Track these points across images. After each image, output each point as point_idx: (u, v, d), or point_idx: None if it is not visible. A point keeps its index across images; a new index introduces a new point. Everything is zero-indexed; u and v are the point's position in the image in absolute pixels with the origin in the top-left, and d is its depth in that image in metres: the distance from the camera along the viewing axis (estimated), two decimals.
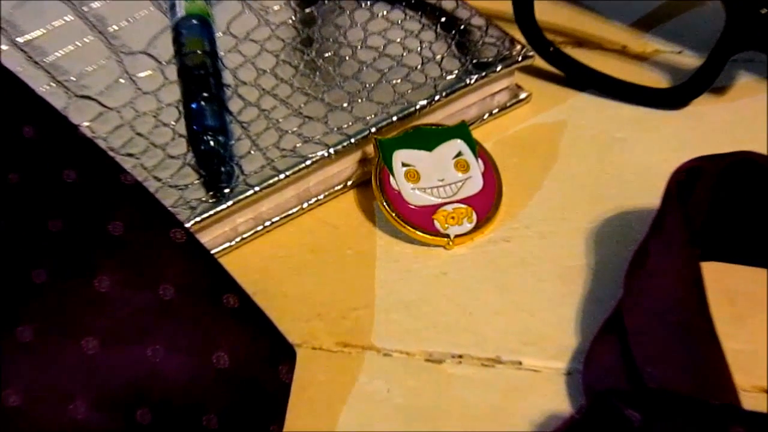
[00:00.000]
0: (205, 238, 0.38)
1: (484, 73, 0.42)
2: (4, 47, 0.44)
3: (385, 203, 0.39)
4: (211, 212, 0.38)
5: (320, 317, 0.38)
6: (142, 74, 0.43)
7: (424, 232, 0.39)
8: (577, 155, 0.43)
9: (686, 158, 0.40)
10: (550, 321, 0.37)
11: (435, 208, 0.40)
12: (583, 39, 0.47)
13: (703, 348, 0.33)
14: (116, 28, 0.45)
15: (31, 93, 0.40)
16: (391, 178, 0.40)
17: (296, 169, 0.39)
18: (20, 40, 0.45)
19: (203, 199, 0.38)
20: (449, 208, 0.40)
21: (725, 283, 0.37)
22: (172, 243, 0.36)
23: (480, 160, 0.41)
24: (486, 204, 0.40)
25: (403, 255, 0.40)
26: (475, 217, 0.40)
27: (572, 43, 0.47)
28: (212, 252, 0.38)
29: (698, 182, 0.36)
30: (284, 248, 0.40)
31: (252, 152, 0.40)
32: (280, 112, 0.41)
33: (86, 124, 0.41)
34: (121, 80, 0.43)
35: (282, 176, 0.39)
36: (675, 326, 0.34)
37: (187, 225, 0.38)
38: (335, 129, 0.40)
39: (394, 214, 0.39)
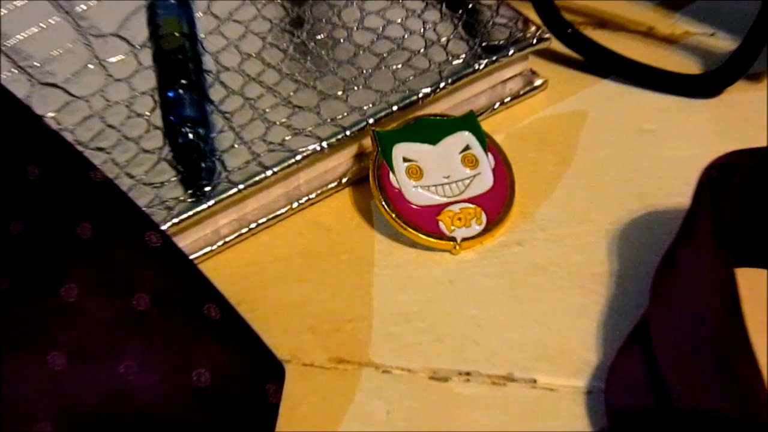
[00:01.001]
0: (183, 242, 0.39)
1: (494, 58, 0.42)
2: None
3: (384, 203, 0.40)
4: (190, 213, 0.39)
5: (312, 330, 0.38)
6: (113, 59, 0.43)
7: (427, 235, 0.40)
8: (599, 149, 0.43)
9: (720, 152, 0.41)
10: (568, 334, 0.38)
11: (440, 208, 0.40)
12: (605, 20, 0.47)
13: (739, 363, 0.33)
14: (84, 7, 0.45)
15: None
16: (391, 174, 0.40)
17: (285, 164, 0.40)
18: None
19: (181, 198, 0.39)
20: (456, 208, 0.40)
21: (760, 292, 0.38)
22: (147, 248, 0.36)
23: (490, 155, 0.41)
24: (497, 204, 0.40)
25: (405, 260, 0.40)
26: (484, 218, 0.40)
27: (593, 24, 0.47)
28: (191, 257, 0.39)
29: (732, 179, 0.36)
30: (272, 253, 0.40)
31: (236, 146, 0.40)
32: (267, 101, 0.42)
33: (51, 114, 0.42)
34: (90, 66, 0.43)
35: (269, 173, 0.39)
36: (707, 340, 0.34)
37: (164, 227, 0.38)
38: (328, 120, 0.41)
39: (394, 215, 0.40)
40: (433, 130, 0.41)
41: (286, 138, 0.40)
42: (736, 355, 0.34)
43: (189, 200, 0.39)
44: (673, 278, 0.36)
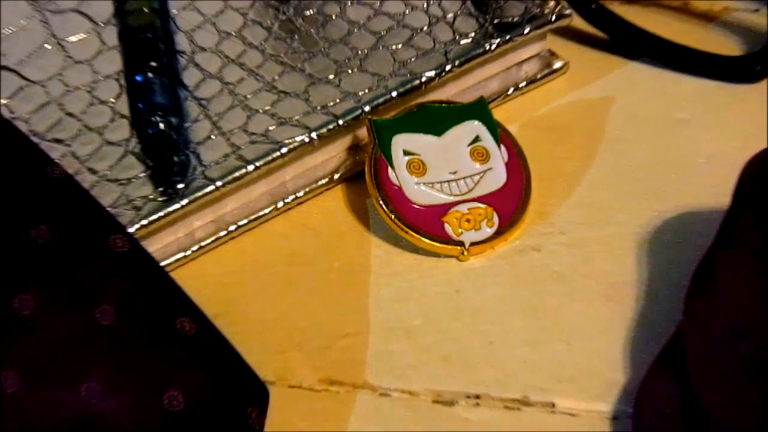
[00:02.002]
0: (153, 246, 0.39)
1: (508, 37, 0.43)
2: None
3: (382, 202, 0.40)
4: (162, 213, 0.39)
5: (300, 347, 0.38)
6: (73, 38, 0.44)
7: (431, 239, 0.40)
8: (627, 141, 0.43)
9: (755, 145, 0.41)
10: (591, 352, 0.38)
11: (446, 208, 0.40)
12: None
13: None
14: None
15: None
16: (390, 170, 0.40)
17: (269, 158, 0.40)
18: None
19: (151, 196, 0.39)
20: (464, 208, 0.40)
21: None
22: (112, 253, 0.37)
23: (503, 147, 0.41)
24: (510, 203, 0.41)
25: (405, 268, 0.40)
26: (496, 219, 0.40)
27: None
28: (163, 264, 0.39)
29: None
30: (254, 260, 0.41)
31: (213, 137, 0.40)
32: (248, 86, 0.42)
33: (3, 101, 0.42)
34: (47, 46, 0.43)
35: (251, 167, 0.40)
36: (749, 358, 0.34)
37: (131, 230, 0.38)
38: (318, 108, 0.41)
39: (393, 216, 0.40)
40: (437, 120, 0.42)
41: (270, 128, 0.41)
42: None
43: (159, 199, 0.39)
44: (710, 289, 0.36)
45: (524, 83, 0.44)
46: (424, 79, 0.42)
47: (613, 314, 0.39)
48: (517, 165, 0.41)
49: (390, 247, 0.41)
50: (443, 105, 0.42)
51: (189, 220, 0.40)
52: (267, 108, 0.41)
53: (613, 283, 0.40)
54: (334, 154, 0.42)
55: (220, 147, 0.40)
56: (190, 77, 0.42)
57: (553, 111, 0.44)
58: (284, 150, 0.40)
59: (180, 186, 0.39)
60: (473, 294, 0.40)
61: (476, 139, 0.41)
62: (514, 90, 0.44)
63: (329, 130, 0.41)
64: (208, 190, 0.39)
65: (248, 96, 0.42)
